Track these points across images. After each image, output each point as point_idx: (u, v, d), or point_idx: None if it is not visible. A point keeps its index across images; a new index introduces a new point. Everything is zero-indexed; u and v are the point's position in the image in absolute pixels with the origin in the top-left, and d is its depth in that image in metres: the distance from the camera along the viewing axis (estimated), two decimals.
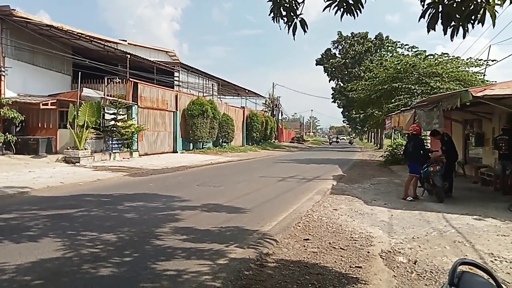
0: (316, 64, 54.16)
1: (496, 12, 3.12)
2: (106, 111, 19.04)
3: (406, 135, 23.08)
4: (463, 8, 3.12)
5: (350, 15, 3.70)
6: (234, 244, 5.18)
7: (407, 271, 4.34)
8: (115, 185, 11.07)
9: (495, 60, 22.65)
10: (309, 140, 73.47)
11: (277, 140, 51.37)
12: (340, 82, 51.29)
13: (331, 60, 50.70)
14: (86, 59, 20.06)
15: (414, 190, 9.27)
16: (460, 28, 3.24)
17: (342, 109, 56.86)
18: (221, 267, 4.30)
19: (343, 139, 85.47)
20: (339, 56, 50.91)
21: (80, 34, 20.04)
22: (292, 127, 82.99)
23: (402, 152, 11.04)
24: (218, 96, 37.53)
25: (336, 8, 3.66)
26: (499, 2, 3.06)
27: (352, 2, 3.65)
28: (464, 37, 3.31)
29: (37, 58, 19.56)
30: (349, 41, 49.54)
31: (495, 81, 15.80)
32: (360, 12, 3.70)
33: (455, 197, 9.27)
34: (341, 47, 50.92)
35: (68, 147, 16.60)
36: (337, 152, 37.29)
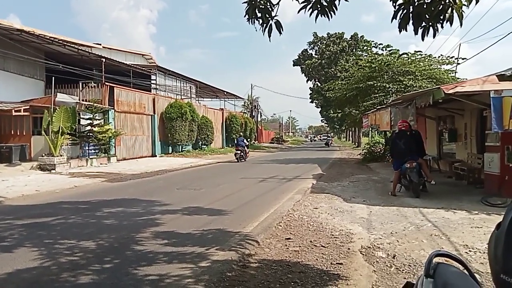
0: (294, 65, 54.61)
1: (463, 12, 3.25)
2: (81, 116, 18.65)
3: (383, 132, 23.52)
4: (432, 9, 3.23)
5: (325, 17, 3.76)
6: (216, 247, 5.18)
7: (387, 265, 4.44)
8: (93, 192, 10.86)
9: (465, 59, 23.42)
10: (288, 140, 73.88)
11: (256, 141, 51.45)
12: (317, 82, 51.88)
13: (307, 61, 51.18)
14: (59, 64, 19.58)
15: (394, 185, 9.48)
16: (430, 28, 3.35)
17: (320, 108, 57.48)
18: (204, 269, 4.29)
19: (325, 138, 62.64)
20: (316, 56, 51.45)
21: (52, 39, 19.56)
22: (272, 127, 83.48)
23: (390, 150, 10.59)
24: (197, 99, 37.30)
25: (311, 10, 3.72)
26: (465, 3, 3.18)
27: (326, 4, 3.72)
28: (434, 36, 3.43)
29: (7, 64, 18.99)
30: (325, 42, 50.14)
31: (466, 78, 16.34)
32: (334, 13, 3.76)
33: (430, 192, 9.51)
34: (317, 48, 51.49)
35: (43, 154, 16.16)
36: (316, 151, 37.64)
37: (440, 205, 7.78)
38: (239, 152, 22.43)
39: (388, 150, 20.89)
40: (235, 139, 24.91)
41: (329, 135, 67.62)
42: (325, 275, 4.20)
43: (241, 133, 29.10)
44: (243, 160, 22.61)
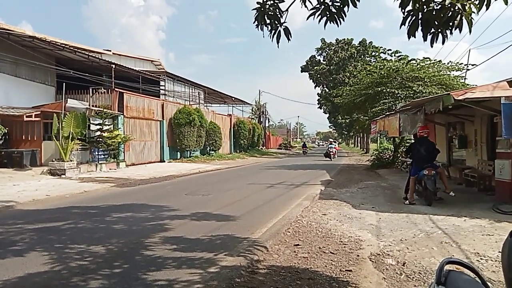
0: (302, 71, 54.57)
1: (472, 19, 3.24)
2: (91, 121, 18.85)
3: (392, 138, 23.35)
4: (442, 15, 3.23)
5: (334, 23, 3.79)
6: (225, 252, 5.18)
7: (396, 273, 4.40)
8: (102, 197, 10.94)
9: (474, 65, 23.29)
10: (296, 146, 73.74)
11: (264, 147, 51.43)
12: (325, 88, 51.79)
13: (315, 67, 51.17)
14: (70, 70, 19.87)
15: (411, 193, 9.28)
16: (440, 34, 3.35)
17: (328, 114, 57.32)
18: (213, 275, 4.29)
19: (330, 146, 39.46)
20: (324, 62, 51.42)
21: (63, 45, 19.85)
22: (279, 133, 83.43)
23: (410, 157, 9.93)
24: (205, 104, 37.49)
25: (320, 16, 3.74)
26: (475, 10, 3.18)
27: (335, 11, 3.74)
28: (443, 42, 3.43)
29: (19, 70, 19.30)
30: (333, 48, 50.11)
31: (476, 85, 16.21)
32: (343, 20, 3.79)
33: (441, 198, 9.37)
34: (325, 54, 51.46)
35: (53, 159, 16.35)
36: (324, 157, 37.45)
37: (450, 212, 7.70)
38: (305, 149, 45.67)
39: (397, 157, 20.86)
40: (302, 143, 54.03)
41: (332, 140, 39.43)
42: (334, 282, 4.18)
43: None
44: (306, 153, 41.90)
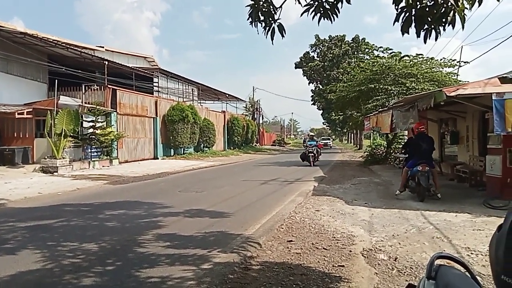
0: (296, 67, 54.57)
1: (465, 15, 3.26)
2: (84, 118, 18.70)
3: (385, 134, 23.43)
4: (434, 12, 3.25)
5: (327, 19, 3.78)
6: (218, 249, 5.18)
7: (388, 268, 4.44)
8: (95, 194, 10.88)
9: (466, 62, 23.43)
10: (290, 143, 73.85)
11: (258, 144, 51.48)
12: (319, 85, 51.86)
13: (309, 64, 51.17)
14: (62, 67, 19.67)
15: (402, 183, 9.42)
16: (433, 30, 3.37)
17: (321, 111, 57.43)
18: (206, 272, 4.30)
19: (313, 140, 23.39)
20: (318, 59, 51.46)
21: (55, 41, 19.66)
22: (273, 130, 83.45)
23: (405, 152, 10.23)
24: (199, 101, 37.38)
25: (314, 13, 3.74)
26: (467, 6, 3.20)
27: (329, 7, 3.73)
28: (436, 39, 3.44)
29: (11, 66, 19.08)
30: (326, 44, 50.14)
31: (468, 81, 16.33)
32: (337, 16, 3.79)
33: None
34: (319, 50, 51.49)
35: (46, 157, 16.21)
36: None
37: (442, 207, 7.77)
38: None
39: (390, 153, 20.98)
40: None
41: (313, 135, 26.83)
42: (327, 277, 4.20)
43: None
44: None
